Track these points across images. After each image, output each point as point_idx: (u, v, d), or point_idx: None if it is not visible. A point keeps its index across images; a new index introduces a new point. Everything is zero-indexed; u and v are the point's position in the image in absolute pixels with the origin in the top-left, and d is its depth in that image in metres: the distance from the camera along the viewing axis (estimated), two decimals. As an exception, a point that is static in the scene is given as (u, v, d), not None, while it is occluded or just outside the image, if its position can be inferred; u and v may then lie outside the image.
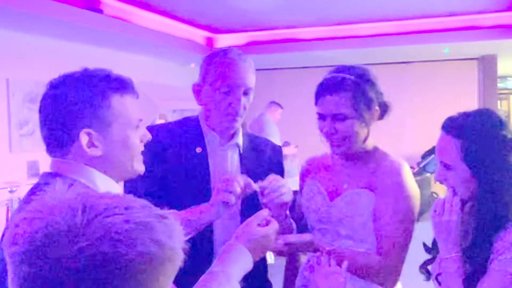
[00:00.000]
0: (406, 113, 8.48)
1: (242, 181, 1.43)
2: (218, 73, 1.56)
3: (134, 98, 1.18)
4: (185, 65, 8.02)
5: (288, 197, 1.48)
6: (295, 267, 1.76)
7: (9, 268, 0.64)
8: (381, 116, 1.65)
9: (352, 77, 1.56)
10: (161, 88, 6.90)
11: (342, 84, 1.55)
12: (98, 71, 1.15)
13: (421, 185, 7.55)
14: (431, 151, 8.02)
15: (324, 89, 1.58)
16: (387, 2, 5.75)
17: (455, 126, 1.35)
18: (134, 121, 1.17)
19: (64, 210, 0.63)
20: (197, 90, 1.63)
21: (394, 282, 1.59)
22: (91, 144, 1.11)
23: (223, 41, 7.34)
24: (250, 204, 1.51)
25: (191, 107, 7.19)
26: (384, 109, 1.64)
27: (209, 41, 7.30)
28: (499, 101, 10.94)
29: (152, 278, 0.64)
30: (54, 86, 1.13)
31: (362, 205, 1.57)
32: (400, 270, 1.58)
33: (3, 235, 0.79)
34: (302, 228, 1.69)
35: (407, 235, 1.57)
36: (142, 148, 1.22)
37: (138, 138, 1.20)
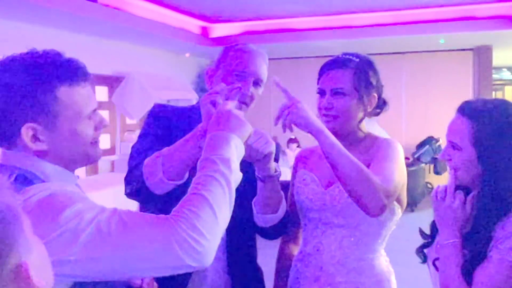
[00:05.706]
0: (401, 103, 8.50)
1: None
2: (233, 58, 1.59)
3: (85, 86, 1.09)
4: (180, 55, 7.99)
5: (267, 148, 1.45)
6: (287, 258, 1.76)
7: None
8: (377, 111, 1.67)
9: (357, 60, 1.61)
10: (155, 77, 6.87)
11: (345, 62, 1.60)
12: (45, 57, 1.05)
13: (416, 175, 7.60)
14: (425, 142, 8.04)
15: (327, 66, 1.63)
16: (383, -8, 5.74)
17: (471, 109, 1.36)
18: (85, 112, 1.09)
19: None
20: (210, 75, 1.66)
21: (382, 208, 1.43)
22: (35, 139, 1.04)
23: (218, 30, 7.31)
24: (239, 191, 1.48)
25: (186, 97, 7.19)
26: (382, 104, 1.67)
27: (204, 30, 7.27)
28: (493, 92, 10.97)
29: None
30: None
31: None
32: (392, 199, 1.47)
33: None
34: (287, 220, 1.67)
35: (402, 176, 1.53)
36: (99, 135, 1.15)
37: (92, 128, 1.12)
